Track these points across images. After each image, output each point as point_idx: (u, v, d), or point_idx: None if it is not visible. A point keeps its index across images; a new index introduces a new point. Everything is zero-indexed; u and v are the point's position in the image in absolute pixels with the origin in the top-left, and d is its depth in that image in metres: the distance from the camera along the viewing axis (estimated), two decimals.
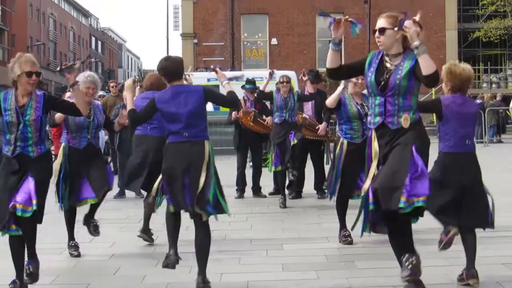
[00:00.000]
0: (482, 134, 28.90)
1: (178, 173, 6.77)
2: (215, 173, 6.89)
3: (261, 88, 13.04)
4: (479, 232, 7.01)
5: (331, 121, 13.81)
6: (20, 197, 6.65)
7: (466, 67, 7.07)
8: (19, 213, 6.63)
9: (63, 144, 8.55)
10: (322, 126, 12.73)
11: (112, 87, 18.01)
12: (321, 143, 13.45)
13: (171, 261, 6.88)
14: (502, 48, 45.28)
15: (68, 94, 10.71)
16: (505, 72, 45.30)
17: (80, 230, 8.95)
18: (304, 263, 7.97)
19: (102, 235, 9.18)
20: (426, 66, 5.78)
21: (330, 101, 9.03)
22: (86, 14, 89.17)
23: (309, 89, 13.04)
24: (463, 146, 6.94)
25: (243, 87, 14.01)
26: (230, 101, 7.66)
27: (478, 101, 31.29)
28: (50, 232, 9.33)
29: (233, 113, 13.66)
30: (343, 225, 8.97)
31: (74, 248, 8.60)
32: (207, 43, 42.42)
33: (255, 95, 13.36)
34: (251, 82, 14.06)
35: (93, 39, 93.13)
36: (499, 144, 29.49)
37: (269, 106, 13.61)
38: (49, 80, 64.66)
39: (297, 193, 13.33)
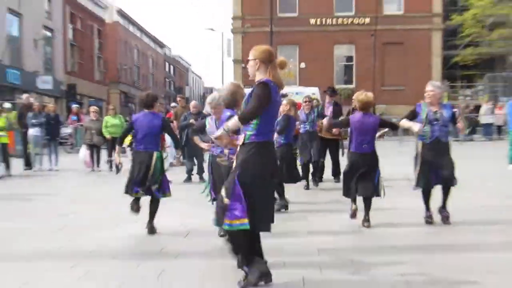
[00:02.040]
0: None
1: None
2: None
3: None
4: None
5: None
6: None
7: (368, 94, 8.08)
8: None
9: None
10: (325, 123, 11.72)
11: (179, 100, 18.14)
12: (337, 141, 13.45)
13: None
14: (475, 69, 44.70)
15: None
16: (476, 88, 45.25)
17: (144, 207, 7.96)
18: (324, 230, 7.91)
19: (175, 209, 9.12)
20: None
21: (403, 125, 8.32)
22: (161, 45, 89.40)
23: (327, 100, 13.76)
24: (361, 148, 8.04)
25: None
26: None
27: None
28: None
29: None
30: (427, 208, 8.28)
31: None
32: None
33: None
34: (283, 95, 14.22)
35: (167, 64, 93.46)
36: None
37: None
38: (134, 95, 65.24)
39: (319, 178, 13.29)
